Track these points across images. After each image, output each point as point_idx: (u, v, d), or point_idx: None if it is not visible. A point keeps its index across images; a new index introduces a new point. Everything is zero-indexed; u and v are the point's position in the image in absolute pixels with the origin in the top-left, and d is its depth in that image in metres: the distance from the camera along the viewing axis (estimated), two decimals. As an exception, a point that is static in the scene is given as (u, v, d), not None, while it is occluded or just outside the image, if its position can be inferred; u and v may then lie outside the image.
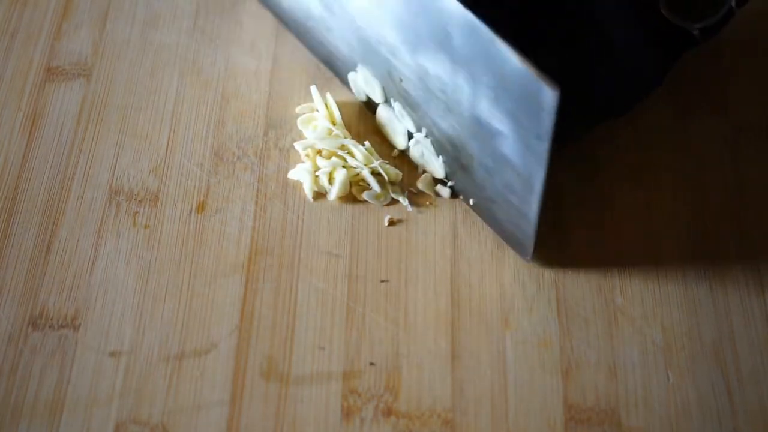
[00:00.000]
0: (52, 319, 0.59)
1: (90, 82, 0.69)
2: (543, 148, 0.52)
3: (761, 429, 0.56)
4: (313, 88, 0.67)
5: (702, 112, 0.67)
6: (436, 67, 0.57)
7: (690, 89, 0.68)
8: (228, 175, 0.65)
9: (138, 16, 0.73)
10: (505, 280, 0.61)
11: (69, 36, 0.72)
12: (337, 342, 0.59)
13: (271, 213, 0.63)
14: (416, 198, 0.64)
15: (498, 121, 0.54)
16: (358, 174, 0.64)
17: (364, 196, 0.64)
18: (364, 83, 0.65)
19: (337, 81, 0.69)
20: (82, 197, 0.64)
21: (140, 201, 0.64)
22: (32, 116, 0.68)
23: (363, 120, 0.67)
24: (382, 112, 0.65)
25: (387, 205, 0.64)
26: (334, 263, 0.61)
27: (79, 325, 0.59)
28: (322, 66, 0.70)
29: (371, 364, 0.58)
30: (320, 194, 0.64)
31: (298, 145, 0.65)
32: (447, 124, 0.59)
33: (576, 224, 0.63)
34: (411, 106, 0.62)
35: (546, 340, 0.59)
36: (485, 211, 0.62)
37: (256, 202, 0.64)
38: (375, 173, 0.64)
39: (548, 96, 0.49)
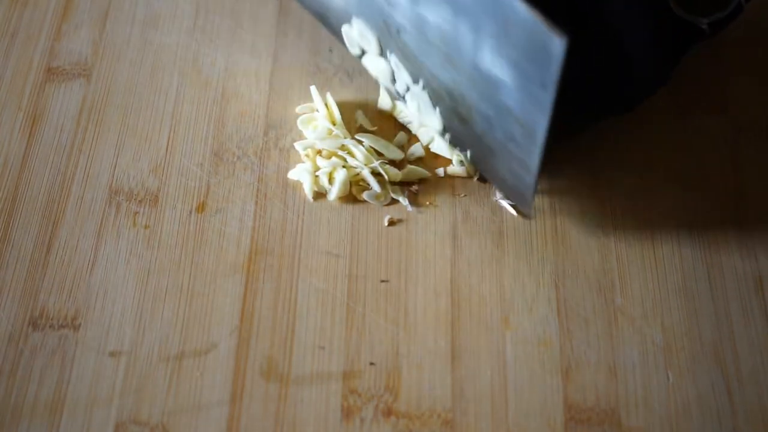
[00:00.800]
0: (52, 319, 0.59)
1: (90, 82, 0.69)
2: (547, 97, 0.50)
3: (761, 429, 0.56)
4: (313, 88, 0.67)
5: (702, 112, 0.67)
6: (437, 17, 0.55)
7: (690, 89, 0.68)
8: (228, 175, 0.65)
9: (138, 16, 0.73)
10: (505, 280, 0.61)
11: (69, 36, 0.72)
12: (337, 342, 0.59)
13: (271, 213, 0.63)
14: (416, 198, 0.64)
15: (500, 71, 0.53)
16: (358, 174, 0.64)
17: (364, 196, 0.64)
18: (359, 36, 0.64)
19: (337, 80, 0.69)
20: (82, 198, 0.64)
21: (140, 201, 0.64)
22: (32, 116, 0.68)
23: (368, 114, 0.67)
24: (372, 64, 0.64)
25: (387, 205, 0.64)
26: (334, 263, 0.61)
27: (79, 325, 0.59)
28: (322, 66, 0.70)
29: (371, 364, 0.58)
30: (320, 194, 0.64)
31: (298, 145, 0.65)
32: (446, 75, 0.58)
33: (575, 224, 0.63)
34: (408, 58, 0.61)
35: (546, 340, 0.59)
36: (484, 163, 0.61)
37: (256, 202, 0.64)
38: (375, 173, 0.64)
39: (557, 45, 0.48)
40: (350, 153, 0.65)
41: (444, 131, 0.63)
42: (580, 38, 0.60)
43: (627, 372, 0.58)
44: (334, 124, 0.66)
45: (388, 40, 0.62)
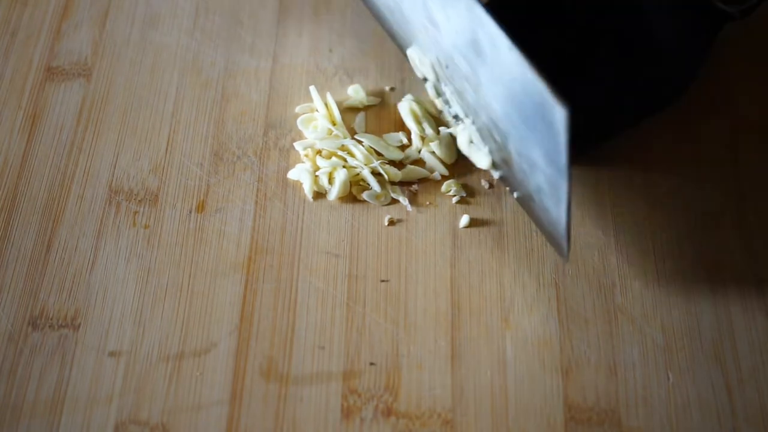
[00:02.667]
0: (52, 319, 0.59)
1: (90, 82, 0.69)
2: (561, 161, 0.50)
3: (761, 428, 0.56)
4: (313, 88, 0.67)
5: (702, 112, 0.67)
6: (465, 66, 0.55)
7: (690, 89, 0.68)
8: (228, 174, 0.65)
9: (138, 16, 0.73)
10: (505, 280, 0.61)
11: (69, 36, 0.72)
12: (337, 342, 0.59)
13: (271, 213, 0.63)
14: (416, 198, 0.64)
15: (524, 127, 0.53)
16: (358, 174, 0.64)
17: (364, 196, 0.64)
18: (418, 62, 0.64)
19: (336, 80, 0.69)
20: (82, 197, 0.64)
21: (140, 201, 0.64)
22: (32, 116, 0.68)
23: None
24: (432, 92, 0.65)
25: (387, 205, 0.64)
26: (334, 263, 0.61)
27: (79, 325, 0.59)
28: (322, 66, 0.70)
29: (371, 364, 0.58)
30: (320, 194, 0.64)
31: (298, 145, 0.65)
32: (486, 117, 0.58)
33: (576, 224, 0.63)
34: (457, 92, 0.61)
35: (546, 340, 0.59)
36: (527, 206, 0.61)
37: (256, 202, 0.64)
38: (375, 173, 0.64)
39: (559, 115, 0.47)
40: (350, 153, 0.65)
41: (494, 167, 0.62)
42: (619, 36, 0.59)
43: (627, 372, 0.57)
44: (334, 124, 0.66)
45: (441, 71, 0.61)
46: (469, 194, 0.64)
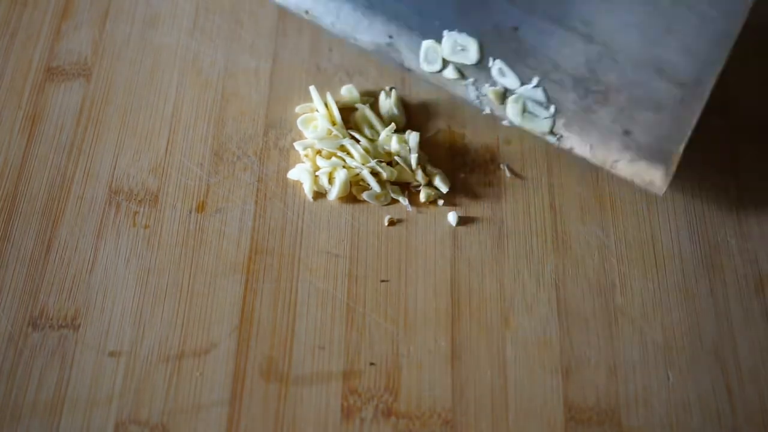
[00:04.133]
0: (52, 319, 0.59)
1: (90, 82, 0.69)
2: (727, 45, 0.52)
3: (761, 428, 0.56)
4: (312, 88, 0.67)
5: (702, 112, 0.67)
6: None
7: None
8: (228, 175, 0.65)
9: (138, 16, 0.73)
10: (505, 280, 0.61)
11: (69, 36, 0.72)
12: (337, 342, 0.59)
13: (271, 213, 0.63)
14: (416, 198, 0.64)
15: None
16: (358, 174, 0.64)
17: (364, 196, 0.64)
18: (450, 51, 0.63)
19: (336, 80, 0.69)
20: (82, 197, 0.64)
21: (140, 201, 0.64)
22: (32, 116, 0.68)
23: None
24: (452, 79, 0.64)
25: (387, 205, 0.64)
26: (334, 263, 0.61)
27: (79, 325, 0.59)
28: (322, 66, 0.70)
29: (371, 364, 0.58)
30: (320, 194, 0.64)
31: (298, 145, 0.65)
32: (585, 50, 0.59)
33: (576, 224, 0.63)
34: (524, 54, 0.61)
35: (546, 340, 0.59)
36: (606, 153, 0.61)
37: (256, 202, 0.64)
38: (374, 173, 0.64)
39: None
40: (349, 154, 0.65)
41: (553, 131, 0.62)
42: None
43: (627, 372, 0.58)
44: (334, 125, 0.66)
45: (496, 43, 0.61)
46: (469, 194, 0.64)
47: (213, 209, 0.64)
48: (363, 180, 0.64)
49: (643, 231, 0.63)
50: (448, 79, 0.64)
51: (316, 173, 0.64)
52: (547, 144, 0.66)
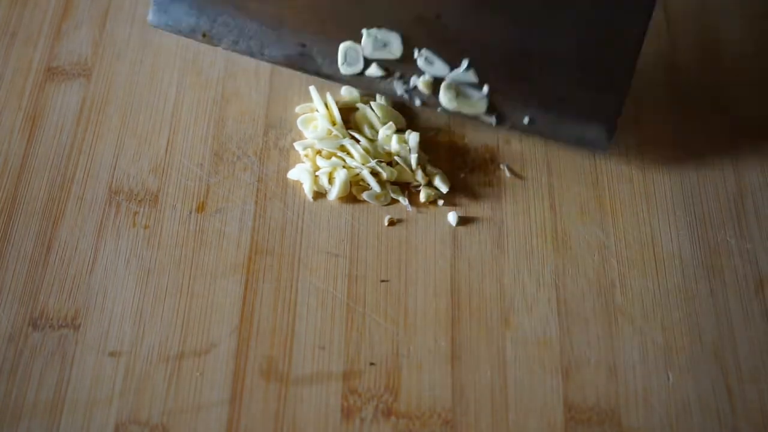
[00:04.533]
0: (52, 319, 0.59)
1: (90, 82, 0.69)
2: None
3: (761, 428, 0.56)
4: (312, 89, 0.67)
5: (702, 112, 0.67)
6: None
7: (690, 90, 0.68)
8: (228, 175, 0.65)
9: (138, 16, 0.73)
10: (505, 280, 0.61)
11: (69, 36, 0.72)
12: (337, 342, 0.59)
13: (271, 213, 0.63)
14: (416, 198, 0.64)
15: None
16: (358, 174, 0.64)
17: (364, 196, 0.64)
18: (371, 49, 0.63)
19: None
20: (82, 198, 0.64)
21: (140, 201, 0.64)
22: (32, 116, 0.68)
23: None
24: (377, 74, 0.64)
25: (387, 205, 0.64)
26: (334, 263, 0.61)
27: (79, 325, 0.59)
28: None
29: (371, 364, 0.58)
30: (320, 194, 0.64)
31: (298, 145, 0.65)
32: (515, 28, 0.60)
33: (575, 224, 0.63)
34: (449, 41, 0.61)
35: (546, 340, 0.59)
36: (546, 120, 0.62)
37: (256, 202, 0.64)
38: (374, 173, 0.64)
39: None
40: (348, 153, 0.65)
41: (489, 110, 0.63)
42: None
43: (627, 372, 0.58)
44: (334, 125, 0.66)
45: (420, 34, 0.62)
46: (469, 194, 0.64)
47: (213, 209, 0.64)
48: (363, 180, 0.64)
49: (643, 231, 0.63)
50: (372, 78, 0.63)
51: (316, 173, 0.64)
52: (547, 144, 0.66)
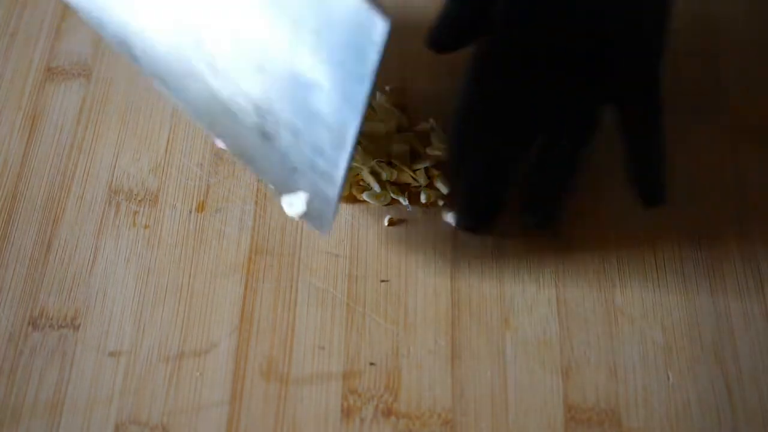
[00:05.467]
0: (52, 319, 0.59)
1: (90, 82, 0.69)
2: (362, 92, 0.49)
3: (761, 429, 0.56)
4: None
5: (702, 113, 0.67)
6: (253, 21, 0.52)
7: (690, 90, 0.68)
8: (228, 175, 0.65)
9: (138, 16, 0.73)
10: (505, 280, 0.61)
11: (69, 36, 0.72)
12: (337, 342, 0.59)
13: (271, 213, 0.63)
14: (416, 198, 0.64)
15: (317, 71, 0.51)
16: (358, 174, 0.64)
17: (364, 196, 0.64)
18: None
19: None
20: (82, 197, 0.64)
21: (140, 201, 0.64)
22: (32, 116, 0.68)
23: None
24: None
25: (387, 205, 0.64)
26: (334, 263, 0.61)
27: (79, 325, 0.59)
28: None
29: (371, 364, 0.58)
30: (320, 194, 0.64)
31: None
32: (255, 87, 0.55)
33: (576, 224, 0.63)
34: (213, 73, 0.57)
35: (546, 340, 0.59)
36: (284, 187, 0.59)
37: (256, 202, 0.64)
38: (374, 173, 0.64)
39: (379, 28, 0.46)
40: None
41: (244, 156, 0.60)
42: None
43: (627, 372, 0.58)
44: None
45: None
46: (469, 194, 0.64)
47: (213, 209, 0.64)
48: (363, 180, 0.64)
49: (643, 231, 0.63)
50: None
51: None
52: (547, 144, 0.66)
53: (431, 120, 0.67)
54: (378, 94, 0.68)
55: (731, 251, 0.62)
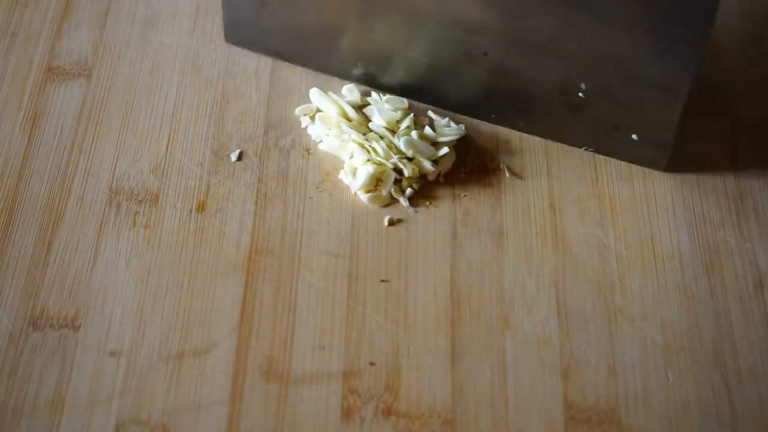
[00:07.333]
0: (52, 319, 0.59)
1: (90, 82, 0.69)
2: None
3: (761, 429, 0.56)
4: (312, 92, 0.67)
5: (702, 112, 0.67)
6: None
7: (690, 89, 0.68)
8: (228, 175, 0.65)
9: (138, 16, 0.73)
10: (505, 280, 0.61)
11: (69, 36, 0.72)
12: (337, 342, 0.59)
13: (271, 213, 0.63)
14: (416, 198, 0.64)
15: None
16: (384, 171, 0.64)
17: (364, 198, 0.64)
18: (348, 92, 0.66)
19: (336, 81, 0.69)
20: (83, 197, 0.64)
21: (140, 201, 0.64)
22: (32, 116, 0.68)
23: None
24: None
25: (387, 205, 0.64)
26: (334, 263, 0.61)
27: (79, 325, 0.59)
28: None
29: (371, 364, 0.58)
30: (321, 193, 0.64)
31: (312, 129, 0.66)
32: (558, 67, 0.61)
33: (576, 224, 0.63)
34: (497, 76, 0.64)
35: (546, 340, 0.59)
36: (607, 140, 0.65)
37: (256, 202, 0.64)
38: (395, 169, 0.64)
39: None
40: (373, 149, 0.64)
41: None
42: None
43: (627, 372, 0.58)
44: (349, 120, 0.66)
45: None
46: (469, 194, 0.64)
47: (213, 209, 0.64)
48: (383, 178, 0.64)
49: (643, 231, 0.63)
50: None
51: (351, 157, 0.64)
52: (547, 144, 0.66)
53: (429, 112, 0.67)
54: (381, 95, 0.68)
55: (731, 251, 0.62)
